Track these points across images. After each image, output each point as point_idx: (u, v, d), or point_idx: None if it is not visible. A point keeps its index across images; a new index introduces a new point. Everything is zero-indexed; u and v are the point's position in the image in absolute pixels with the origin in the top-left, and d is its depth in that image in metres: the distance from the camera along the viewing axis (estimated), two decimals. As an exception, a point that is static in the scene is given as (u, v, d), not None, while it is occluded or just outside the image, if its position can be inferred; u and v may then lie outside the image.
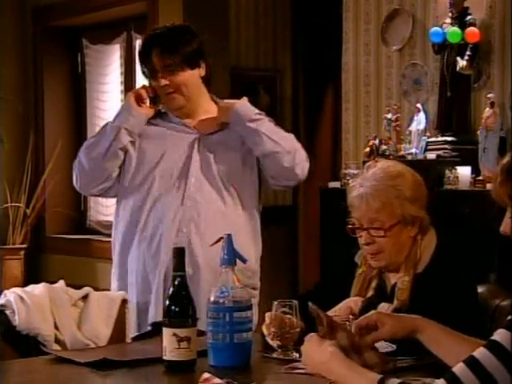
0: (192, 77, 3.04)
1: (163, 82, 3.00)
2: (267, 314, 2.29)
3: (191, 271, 2.94)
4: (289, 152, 3.03)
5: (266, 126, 3.05)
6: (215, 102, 3.15)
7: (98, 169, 3.07)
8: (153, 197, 3.04)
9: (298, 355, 2.14)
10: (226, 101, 3.14)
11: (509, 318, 1.63)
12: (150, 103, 3.07)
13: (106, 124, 3.13)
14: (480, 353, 1.61)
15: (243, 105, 3.08)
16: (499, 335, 1.61)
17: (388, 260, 2.41)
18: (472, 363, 1.61)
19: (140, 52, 3.10)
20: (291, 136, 3.12)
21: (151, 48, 3.03)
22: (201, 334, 2.20)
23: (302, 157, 3.07)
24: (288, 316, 2.24)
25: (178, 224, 3.00)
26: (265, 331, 2.29)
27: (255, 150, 3.05)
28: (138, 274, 3.08)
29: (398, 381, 1.72)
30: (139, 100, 3.06)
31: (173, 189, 3.03)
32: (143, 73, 3.12)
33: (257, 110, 3.09)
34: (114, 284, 3.18)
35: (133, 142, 3.07)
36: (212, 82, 3.18)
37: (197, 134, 3.07)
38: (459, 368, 1.62)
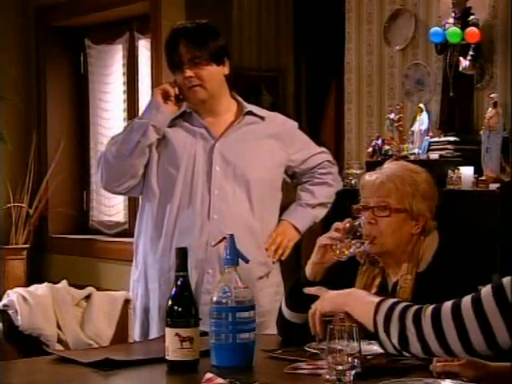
0: (217, 72, 3.03)
1: (189, 72, 2.99)
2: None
3: None
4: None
5: (321, 210, 3.24)
6: (236, 101, 3.14)
7: (125, 166, 3.03)
8: (176, 206, 3.01)
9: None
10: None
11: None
12: (175, 100, 3.06)
13: (133, 121, 3.11)
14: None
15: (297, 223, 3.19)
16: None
17: (383, 247, 2.42)
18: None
19: (167, 43, 3.08)
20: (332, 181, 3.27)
21: (179, 39, 3.03)
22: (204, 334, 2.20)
23: (339, 182, 3.32)
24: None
25: (206, 238, 2.98)
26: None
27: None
28: (160, 282, 3.04)
29: (393, 300, 1.88)
30: (165, 97, 3.05)
31: (197, 201, 3.00)
32: (169, 65, 3.09)
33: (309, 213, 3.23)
34: (135, 286, 3.13)
35: (158, 141, 3.05)
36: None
37: (215, 141, 3.06)
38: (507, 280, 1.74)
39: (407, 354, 1.94)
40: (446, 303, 1.84)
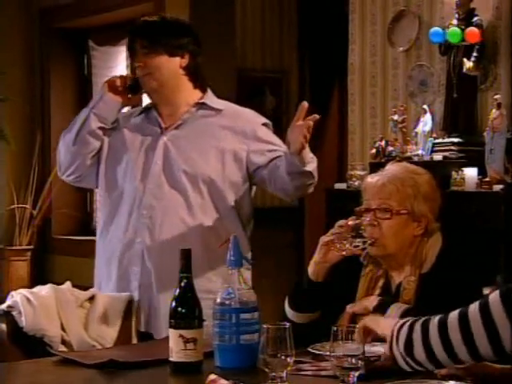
0: (168, 63, 3.01)
1: (137, 62, 3.02)
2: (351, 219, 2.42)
3: (145, 281, 2.94)
4: (315, 181, 2.91)
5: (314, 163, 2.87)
6: (203, 93, 3.06)
7: (69, 154, 3.06)
8: (112, 199, 3.03)
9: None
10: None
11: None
12: (128, 92, 3.06)
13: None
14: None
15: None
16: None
17: (386, 249, 2.42)
18: None
19: (128, 36, 3.12)
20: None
21: (137, 33, 3.07)
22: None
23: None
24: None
25: (132, 234, 2.95)
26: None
27: (291, 180, 2.85)
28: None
29: (411, 321, 1.91)
30: (112, 88, 3.05)
31: (129, 195, 2.99)
32: (129, 55, 3.14)
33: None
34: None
35: (105, 132, 3.04)
36: (216, 82, 3.15)
37: (163, 136, 3.02)
38: None
39: (412, 363, 1.93)
40: (455, 311, 1.86)
